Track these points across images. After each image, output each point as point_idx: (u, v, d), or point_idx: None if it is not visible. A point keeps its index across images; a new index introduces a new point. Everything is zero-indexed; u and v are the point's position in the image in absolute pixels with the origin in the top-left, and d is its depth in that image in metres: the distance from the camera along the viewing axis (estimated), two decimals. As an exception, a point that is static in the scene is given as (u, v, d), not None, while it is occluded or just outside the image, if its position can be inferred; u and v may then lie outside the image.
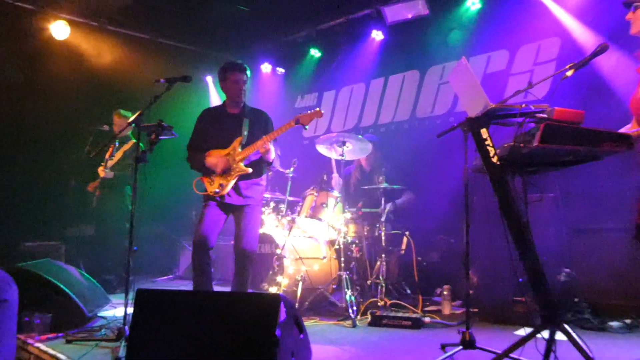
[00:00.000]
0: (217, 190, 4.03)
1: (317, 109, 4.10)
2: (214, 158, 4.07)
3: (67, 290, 3.93)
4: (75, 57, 7.01)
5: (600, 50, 2.60)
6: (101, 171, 6.04)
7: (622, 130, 2.73)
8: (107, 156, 6.09)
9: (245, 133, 4.11)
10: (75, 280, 4.28)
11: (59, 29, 6.69)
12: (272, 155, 4.04)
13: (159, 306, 2.38)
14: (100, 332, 3.72)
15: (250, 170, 4.03)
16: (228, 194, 4.05)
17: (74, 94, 6.93)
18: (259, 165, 4.14)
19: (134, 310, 2.39)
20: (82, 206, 6.35)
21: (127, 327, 3.25)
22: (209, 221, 4.05)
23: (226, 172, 4.05)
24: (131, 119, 3.66)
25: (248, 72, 4.20)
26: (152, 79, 3.77)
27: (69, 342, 3.55)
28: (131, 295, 2.89)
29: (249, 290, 4.16)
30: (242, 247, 4.03)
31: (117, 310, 4.56)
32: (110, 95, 7.13)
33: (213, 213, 4.08)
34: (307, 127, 4.09)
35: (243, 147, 4.06)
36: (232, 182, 4.02)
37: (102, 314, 4.38)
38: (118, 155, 6.04)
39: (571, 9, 5.41)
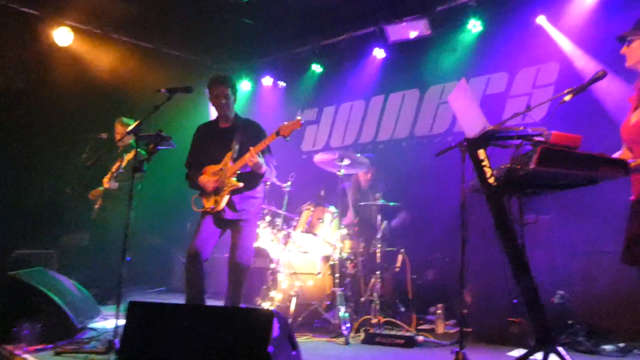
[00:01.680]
0: (212, 206, 4.02)
1: (298, 118, 4.01)
2: (205, 177, 4.06)
3: (57, 301, 3.89)
4: (77, 64, 7.02)
5: (598, 77, 2.64)
6: (105, 182, 5.99)
7: (614, 156, 2.75)
8: (114, 169, 6.00)
9: (237, 147, 4.07)
10: (67, 290, 4.24)
11: (63, 35, 6.70)
12: (263, 167, 3.97)
13: (151, 319, 2.36)
14: (90, 344, 3.67)
15: (241, 184, 3.99)
16: (223, 209, 4.03)
17: (74, 101, 6.92)
18: (252, 178, 4.09)
19: (125, 323, 2.37)
20: (77, 214, 6.31)
21: (117, 340, 3.22)
22: (204, 234, 4.03)
23: (219, 188, 4.03)
24: (130, 128, 3.66)
25: (233, 85, 4.15)
26: (154, 89, 3.78)
27: (57, 354, 3.50)
28: (123, 306, 2.87)
29: (242, 305, 4.13)
30: (236, 261, 4.01)
31: (107, 321, 4.52)
32: (110, 103, 7.13)
33: (209, 226, 4.06)
34: (288, 138, 3.97)
35: (234, 161, 4.04)
36: (225, 198, 3.99)
37: (92, 325, 4.33)
38: (116, 165, 6.00)
39: (570, 34, 5.47)
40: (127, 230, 3.50)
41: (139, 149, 4.03)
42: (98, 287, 5.92)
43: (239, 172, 4.01)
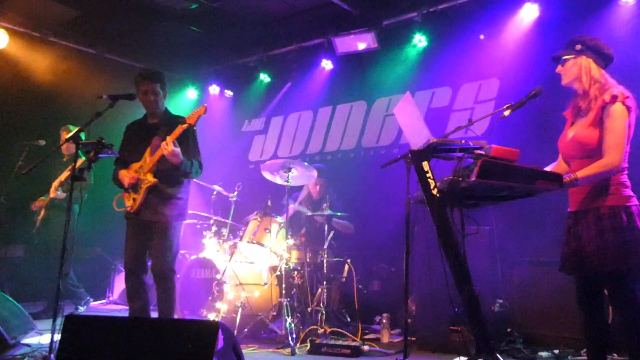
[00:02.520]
0: (131, 205, 3.86)
1: (204, 105, 3.88)
2: (124, 172, 3.92)
3: (-13, 315, 3.70)
4: (13, 68, 6.71)
5: (534, 94, 2.77)
6: (52, 191, 5.72)
7: (548, 168, 2.88)
8: (62, 178, 5.71)
9: (157, 142, 3.86)
10: (-2, 304, 4.03)
11: (-3, 37, 6.41)
12: (179, 158, 3.74)
13: (90, 333, 2.26)
14: (24, 361, 3.50)
15: (155, 180, 3.81)
16: (141, 209, 3.85)
17: (9, 106, 6.61)
18: (172, 176, 3.90)
19: (62, 338, 2.27)
20: (12, 225, 5.98)
21: (52, 356, 3.08)
22: (134, 242, 3.87)
23: (137, 185, 3.87)
24: (69, 135, 3.52)
25: (162, 81, 4.02)
26: (96, 95, 3.66)
27: (-13, 371, 3.33)
28: (60, 321, 2.74)
29: (188, 317, 4.03)
30: (156, 267, 3.81)
31: (42, 337, 4.31)
32: (49, 110, 6.86)
33: (135, 233, 3.90)
34: (194, 126, 3.84)
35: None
36: (143, 195, 3.83)
37: (26, 341, 4.12)
38: (65, 174, 5.72)
39: (510, 52, 5.71)
40: (65, 241, 3.36)
41: (77, 160, 3.87)
42: (45, 299, 5.67)
43: (156, 169, 3.84)
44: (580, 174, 2.64)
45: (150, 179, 3.82)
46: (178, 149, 3.74)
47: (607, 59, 2.82)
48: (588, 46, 2.78)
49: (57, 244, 5.43)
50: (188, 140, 3.96)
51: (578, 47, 2.79)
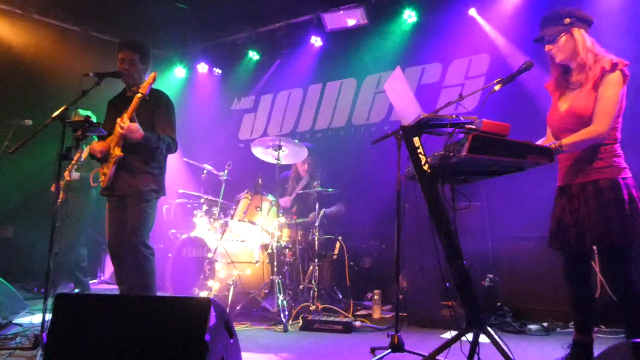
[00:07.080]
0: (102, 179, 3.81)
1: (153, 73, 3.74)
2: (95, 142, 3.87)
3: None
4: (-4, 46, 6.60)
5: (525, 68, 2.74)
6: (67, 175, 5.67)
7: (538, 142, 2.88)
8: (74, 160, 5.64)
9: (125, 115, 3.72)
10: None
11: (-23, 15, 6.28)
12: (138, 133, 3.62)
13: (81, 311, 2.25)
14: (15, 341, 3.48)
15: (121, 154, 3.72)
16: (113, 184, 3.79)
17: (-7, 86, 6.51)
18: (143, 150, 3.78)
19: (53, 316, 2.26)
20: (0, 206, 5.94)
21: (45, 334, 3.08)
22: (114, 224, 3.83)
23: (108, 159, 3.81)
24: (55, 113, 3.46)
25: (142, 52, 3.91)
26: (82, 73, 3.61)
27: (-21, 350, 3.32)
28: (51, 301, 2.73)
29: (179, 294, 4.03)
30: (128, 241, 3.74)
31: (34, 316, 4.32)
32: (35, 89, 6.74)
33: (113, 213, 3.86)
34: (147, 95, 3.67)
35: None
36: (112, 169, 3.76)
37: (17, 320, 4.12)
38: (83, 155, 5.65)
39: (500, 28, 5.69)
40: (55, 220, 3.34)
41: (64, 138, 3.82)
42: (38, 280, 5.66)
43: (124, 143, 3.75)
44: (565, 140, 2.64)
45: (117, 152, 3.73)
46: (136, 125, 3.65)
47: (590, 24, 2.78)
48: (577, 17, 2.74)
49: (72, 225, 5.45)
50: (152, 114, 3.86)
51: (567, 20, 2.74)
